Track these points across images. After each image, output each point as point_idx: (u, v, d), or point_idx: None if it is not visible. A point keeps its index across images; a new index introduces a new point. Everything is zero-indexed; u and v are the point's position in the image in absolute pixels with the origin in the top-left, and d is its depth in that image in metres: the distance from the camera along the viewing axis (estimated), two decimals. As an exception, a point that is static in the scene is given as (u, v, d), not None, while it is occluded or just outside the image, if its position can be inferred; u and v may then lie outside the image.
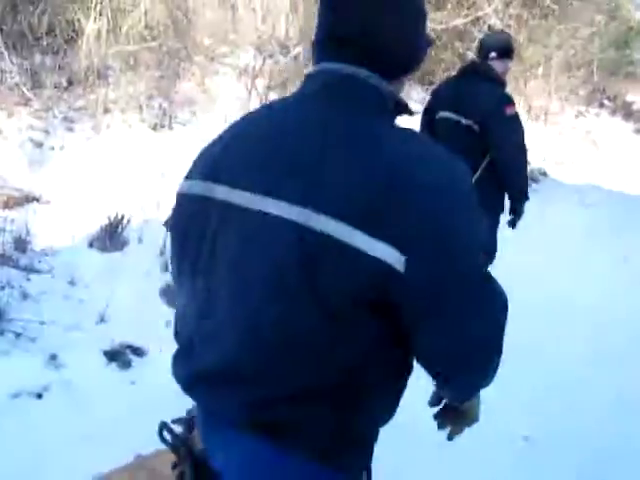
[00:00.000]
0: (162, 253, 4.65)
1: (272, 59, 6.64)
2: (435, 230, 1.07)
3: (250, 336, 1.18)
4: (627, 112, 21.88)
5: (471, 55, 12.01)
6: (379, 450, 1.35)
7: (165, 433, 1.50)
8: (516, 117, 3.99)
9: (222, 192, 1.22)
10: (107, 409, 3.03)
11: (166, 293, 4.16)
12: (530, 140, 13.66)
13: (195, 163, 1.36)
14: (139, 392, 3.25)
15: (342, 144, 1.14)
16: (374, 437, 1.30)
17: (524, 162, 3.98)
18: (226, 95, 7.95)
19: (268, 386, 1.19)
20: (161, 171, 6.07)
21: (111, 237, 4.54)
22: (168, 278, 4.31)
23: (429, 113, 4.18)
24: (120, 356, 3.46)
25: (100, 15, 6.68)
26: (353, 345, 1.15)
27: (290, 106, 1.28)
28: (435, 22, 9.01)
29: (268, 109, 1.38)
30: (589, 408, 3.69)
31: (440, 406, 1.54)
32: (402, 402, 1.31)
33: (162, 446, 1.54)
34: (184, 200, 1.33)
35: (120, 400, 3.14)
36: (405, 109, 1.29)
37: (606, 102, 24.54)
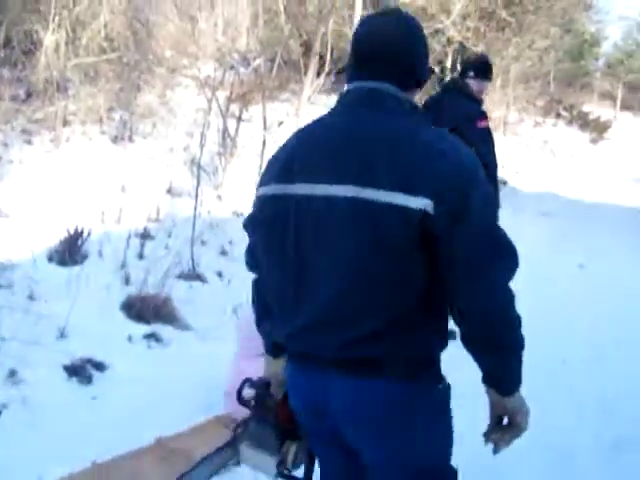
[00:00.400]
0: (123, 266, 4.63)
1: (233, 71, 6.65)
2: (454, 186, 1.51)
3: (341, 288, 1.57)
4: (583, 122, 22.35)
5: (433, 68, 12.24)
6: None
7: (245, 390, 1.91)
8: (487, 130, 4.39)
9: (296, 189, 1.62)
10: (67, 425, 3.00)
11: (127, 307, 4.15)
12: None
13: (267, 171, 1.75)
14: (100, 407, 3.22)
15: (383, 138, 1.57)
16: (439, 359, 1.70)
17: (491, 171, 4.09)
18: (187, 107, 7.96)
19: (357, 328, 1.57)
20: (121, 184, 6.05)
21: (71, 251, 4.50)
22: (129, 291, 4.30)
23: None
24: (81, 371, 3.43)
25: (59, 27, 6.64)
26: (416, 281, 1.56)
27: (335, 116, 1.69)
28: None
29: (318, 122, 1.75)
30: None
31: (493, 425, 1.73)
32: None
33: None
34: (266, 201, 1.70)
35: (81, 416, 3.11)
36: (417, 109, 1.72)
37: (563, 112, 25.03)
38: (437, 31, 9.81)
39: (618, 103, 31.09)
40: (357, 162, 1.56)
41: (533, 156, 18.57)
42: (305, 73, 6.13)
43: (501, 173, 14.49)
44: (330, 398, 1.68)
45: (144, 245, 5.02)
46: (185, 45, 7.61)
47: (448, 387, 1.72)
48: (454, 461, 1.80)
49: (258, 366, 2.07)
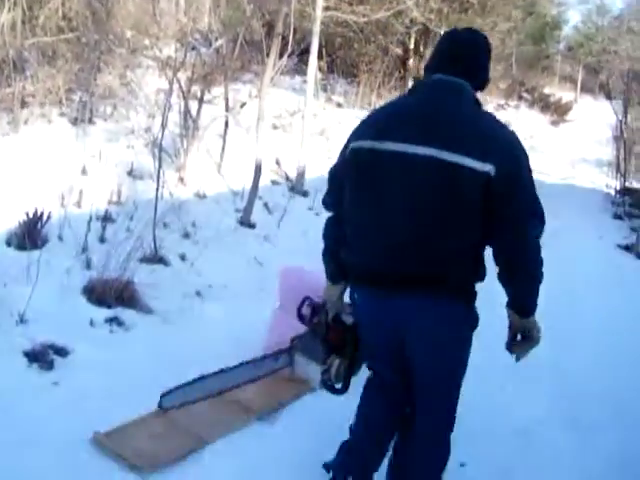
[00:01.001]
0: (84, 250, 4.56)
1: (194, 51, 6.57)
2: (509, 159, 2.12)
3: (417, 224, 2.14)
4: (545, 104, 22.57)
5: (397, 50, 12.21)
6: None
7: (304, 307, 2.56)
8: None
9: (389, 146, 2.19)
10: (29, 412, 2.95)
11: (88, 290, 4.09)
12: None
13: (359, 131, 2.33)
14: (62, 393, 3.18)
15: (457, 118, 2.18)
16: (475, 290, 2.29)
17: None
18: (148, 88, 7.85)
19: (426, 254, 2.15)
20: (82, 166, 5.95)
21: (30, 234, 4.41)
22: (90, 275, 4.24)
23: None
24: (42, 357, 3.37)
25: (15, 5, 6.46)
26: (472, 227, 2.15)
27: (420, 97, 2.29)
28: (358, 15, 9.06)
29: (402, 99, 2.50)
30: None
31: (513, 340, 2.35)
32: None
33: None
34: (362, 151, 2.27)
35: (43, 402, 3.06)
36: (479, 102, 2.31)
37: (525, 95, 25.23)
38: (400, 12, 9.78)
39: (579, 86, 31.42)
40: (440, 131, 2.15)
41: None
42: (267, 54, 6.07)
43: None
44: (394, 312, 2.25)
45: (105, 228, 4.95)
46: (146, 25, 7.49)
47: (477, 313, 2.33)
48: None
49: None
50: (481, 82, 2.35)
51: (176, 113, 6.63)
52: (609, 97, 13.59)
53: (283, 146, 8.36)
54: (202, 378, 2.96)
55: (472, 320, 2.32)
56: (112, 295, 4.08)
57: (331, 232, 2.46)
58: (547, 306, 4.67)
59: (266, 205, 6.82)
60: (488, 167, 2.09)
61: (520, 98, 24.94)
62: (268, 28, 7.89)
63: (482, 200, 2.10)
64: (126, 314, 4.02)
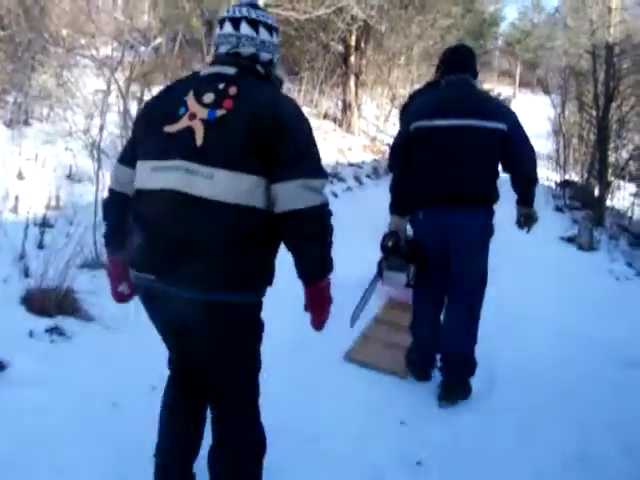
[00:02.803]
0: (21, 257, 4.40)
1: (132, 50, 6.41)
2: (512, 119, 3.67)
3: (467, 167, 3.59)
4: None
5: (338, 47, 12.17)
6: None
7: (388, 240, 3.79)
8: None
9: (439, 122, 3.61)
10: (-35, 429, 2.83)
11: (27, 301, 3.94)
12: (395, 128, 14.01)
13: (411, 116, 3.76)
14: (1, 409, 3.05)
15: (474, 99, 3.73)
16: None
17: None
18: (85, 88, 7.63)
19: (471, 187, 3.62)
20: (17, 170, 5.75)
21: (-36, 242, 4.25)
22: (29, 284, 4.08)
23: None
24: (-22, 370, 3.24)
25: (-58, 3, 6.21)
26: (495, 163, 3.69)
27: (448, 88, 3.75)
28: (299, 12, 9.00)
29: (436, 90, 3.90)
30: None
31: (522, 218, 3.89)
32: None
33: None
34: (419, 128, 3.67)
35: (-21, 419, 2.94)
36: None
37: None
38: (341, 9, 9.75)
39: (517, 81, 32.00)
40: (467, 107, 3.63)
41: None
42: (208, 52, 5.96)
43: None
44: (444, 224, 3.62)
45: (44, 234, 4.79)
46: (81, 23, 7.28)
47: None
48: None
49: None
50: (475, 74, 3.82)
51: (115, 114, 6.47)
52: (547, 92, 13.85)
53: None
54: (363, 297, 4.32)
55: (493, 230, 3.75)
56: (52, 304, 3.94)
57: (400, 183, 3.83)
58: (502, 301, 4.79)
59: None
60: (502, 125, 3.62)
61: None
62: (208, 26, 7.76)
63: (500, 146, 3.62)
64: (67, 323, 3.88)
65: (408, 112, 4.01)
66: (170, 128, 2.19)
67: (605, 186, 9.34)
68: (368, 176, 11.03)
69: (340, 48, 12.47)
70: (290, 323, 3.41)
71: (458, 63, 3.77)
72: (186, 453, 2.52)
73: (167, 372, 2.70)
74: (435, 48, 17.40)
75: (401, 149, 3.81)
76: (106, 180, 5.76)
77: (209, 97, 2.19)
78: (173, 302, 2.16)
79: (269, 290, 2.32)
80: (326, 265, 2.24)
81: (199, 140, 2.14)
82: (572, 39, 11.45)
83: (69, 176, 6.07)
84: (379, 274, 3.93)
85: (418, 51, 16.22)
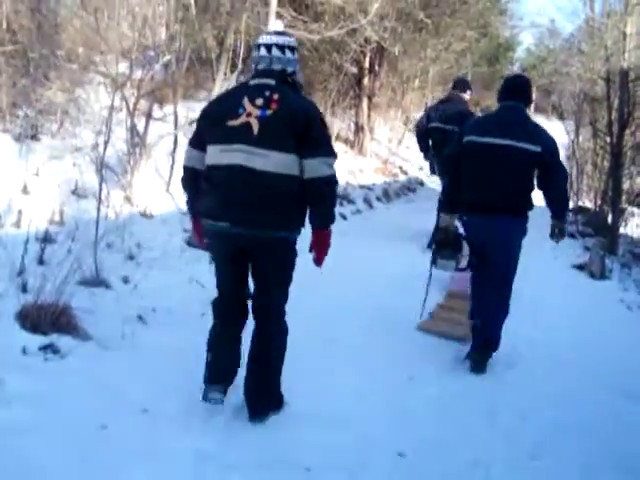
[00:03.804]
0: (20, 272, 4.34)
1: (143, 68, 6.40)
2: (548, 143, 4.33)
3: (505, 182, 4.28)
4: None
5: (352, 69, 12.15)
6: None
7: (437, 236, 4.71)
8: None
9: (488, 140, 4.33)
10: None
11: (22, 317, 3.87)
12: (408, 151, 13.88)
13: (467, 132, 4.47)
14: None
15: (519, 124, 4.37)
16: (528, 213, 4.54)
17: None
18: (96, 105, 7.63)
19: (508, 198, 4.30)
20: (23, 184, 5.72)
21: (-37, 256, 4.20)
22: (26, 299, 4.02)
23: (426, 123, 7.68)
24: (-31, 387, 3.16)
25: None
26: (529, 182, 4.39)
27: (500, 112, 4.52)
28: (313, 33, 8.98)
29: (492, 114, 4.91)
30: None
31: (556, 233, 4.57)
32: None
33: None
34: (470, 142, 4.39)
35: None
36: (527, 114, 4.61)
37: (479, 114, 25.44)
38: (354, 30, 9.74)
39: (532, 106, 31.95)
40: (512, 130, 4.27)
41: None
42: (217, 70, 5.93)
43: (418, 174, 14.62)
44: (484, 226, 4.32)
45: (45, 249, 4.73)
46: (93, 40, 7.29)
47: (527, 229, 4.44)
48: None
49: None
50: (528, 102, 4.53)
51: (124, 130, 6.45)
52: (561, 117, 13.77)
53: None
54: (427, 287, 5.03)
55: (524, 232, 4.42)
56: (48, 321, 3.86)
57: (451, 188, 4.62)
58: (511, 327, 4.72)
59: (216, 225, 6.65)
60: (539, 148, 4.25)
61: (425, 111, 25.12)
62: (221, 45, 7.75)
63: (534, 165, 4.32)
64: (62, 341, 3.79)
65: (464, 127, 4.70)
66: (233, 122, 3.16)
67: (619, 213, 9.21)
68: (378, 199, 10.96)
69: (354, 70, 12.45)
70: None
71: (512, 91, 4.48)
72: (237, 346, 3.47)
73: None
74: (449, 72, 17.40)
75: (454, 158, 4.55)
76: (111, 197, 5.76)
77: (259, 101, 3.17)
78: (241, 240, 3.17)
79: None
80: (330, 218, 3.27)
81: (255, 131, 3.13)
82: (586, 64, 11.37)
83: (74, 192, 6.04)
84: (433, 262, 4.70)
85: (432, 74, 16.19)
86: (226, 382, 3.42)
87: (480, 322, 4.50)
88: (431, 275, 4.94)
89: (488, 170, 4.32)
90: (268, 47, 3.25)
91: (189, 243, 5.90)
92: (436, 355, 4.68)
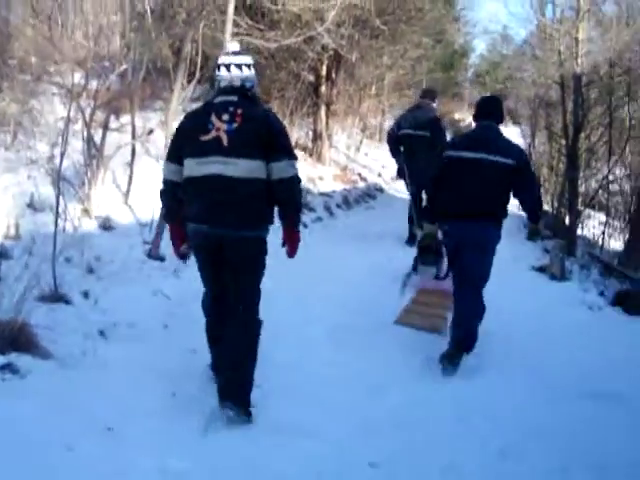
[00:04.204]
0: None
1: (98, 78, 6.28)
2: (520, 156, 4.81)
3: (481, 193, 4.64)
4: (456, 129, 23.06)
5: (309, 77, 12.14)
6: None
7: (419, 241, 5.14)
8: (443, 128, 8.42)
9: (468, 154, 4.73)
10: None
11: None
12: (367, 158, 13.95)
13: (450, 148, 5.01)
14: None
15: (493, 140, 4.79)
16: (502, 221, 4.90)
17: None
18: (51, 116, 7.47)
19: (484, 206, 4.66)
20: (-25, 199, 5.57)
21: None
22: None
23: (397, 130, 8.28)
24: None
25: None
26: (504, 193, 4.74)
27: (477, 131, 4.96)
28: (270, 41, 8.94)
29: (471, 131, 5.20)
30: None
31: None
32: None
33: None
34: (451, 157, 4.83)
35: None
36: (500, 131, 4.99)
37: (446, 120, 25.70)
38: (312, 38, 9.72)
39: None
40: (488, 146, 4.69)
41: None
42: (175, 80, 5.85)
43: (377, 180, 14.63)
44: (463, 231, 4.67)
45: (0, 265, 4.59)
46: (48, 50, 7.15)
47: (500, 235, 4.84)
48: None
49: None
50: (500, 120, 4.95)
51: (80, 142, 6.32)
52: (516, 122, 13.94)
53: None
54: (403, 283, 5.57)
55: (499, 237, 4.79)
56: (5, 339, 3.73)
57: (433, 199, 4.95)
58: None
59: (177, 236, 6.54)
60: (511, 161, 4.65)
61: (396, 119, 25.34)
62: (177, 54, 7.66)
63: (509, 176, 4.66)
64: (22, 360, 3.65)
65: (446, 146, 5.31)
66: (205, 137, 3.55)
67: (575, 215, 9.34)
68: (338, 206, 10.94)
69: (311, 78, 12.43)
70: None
71: (486, 112, 4.94)
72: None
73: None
74: (405, 78, 17.51)
75: (437, 171, 4.93)
76: (68, 209, 5.63)
77: (225, 116, 3.55)
78: (219, 239, 3.55)
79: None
80: (297, 214, 3.77)
81: (225, 143, 3.51)
82: (541, 69, 11.54)
83: (30, 205, 5.88)
84: (414, 268, 5.38)
85: (389, 81, 16.28)
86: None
87: (457, 321, 4.73)
88: (409, 275, 5.53)
89: (467, 182, 4.70)
90: (227, 66, 3.65)
91: (149, 255, 5.80)
92: (402, 362, 4.65)
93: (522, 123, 13.28)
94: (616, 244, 9.64)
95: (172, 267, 5.76)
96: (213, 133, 3.53)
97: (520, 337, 5.35)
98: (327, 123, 12.98)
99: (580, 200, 9.75)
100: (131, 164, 6.71)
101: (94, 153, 6.07)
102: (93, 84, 6.48)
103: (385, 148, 18.49)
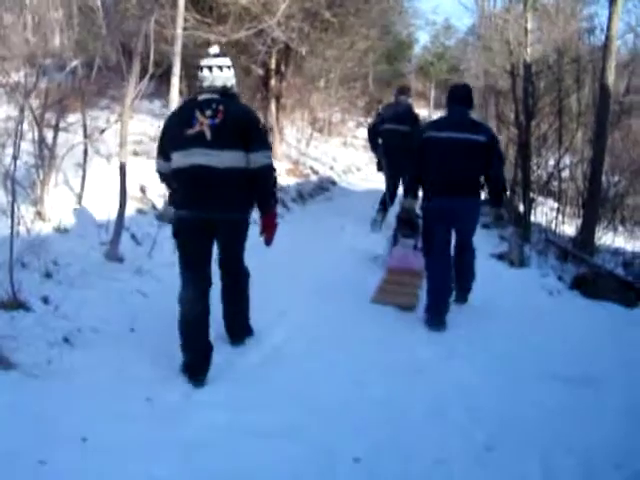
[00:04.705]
0: None
1: (46, 75, 6.06)
2: (490, 134, 5.48)
3: (462, 169, 5.22)
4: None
5: (258, 71, 12.00)
6: None
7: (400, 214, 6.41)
8: (421, 123, 8.49)
9: (446, 134, 5.28)
10: None
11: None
12: (317, 151, 13.88)
13: (426, 129, 5.56)
14: None
15: (466, 121, 5.39)
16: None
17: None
18: (-3, 116, 7.19)
19: (468, 180, 5.34)
20: None
21: None
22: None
23: (377, 125, 8.82)
24: None
25: None
26: (480, 167, 5.34)
27: (450, 115, 5.46)
28: (219, 35, 8.79)
29: (444, 118, 5.68)
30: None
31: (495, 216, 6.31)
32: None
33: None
34: (431, 137, 5.34)
35: None
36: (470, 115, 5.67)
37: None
38: (261, 32, 9.60)
39: (431, 102, 32.62)
40: (464, 127, 5.28)
41: (358, 156, 18.95)
42: (129, 77, 5.67)
43: (330, 173, 14.58)
44: (453, 205, 5.26)
45: (-49, 273, 4.38)
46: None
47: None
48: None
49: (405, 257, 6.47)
50: (471, 105, 5.49)
51: (29, 142, 6.09)
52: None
53: (146, 173, 7.91)
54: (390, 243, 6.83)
55: (480, 207, 5.48)
56: (-35, 351, 3.57)
57: (414, 176, 5.50)
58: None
59: (134, 236, 6.37)
60: (483, 138, 5.24)
61: (379, 115, 25.47)
62: (123, 50, 7.45)
63: (483, 152, 5.22)
64: (-18, 372, 3.50)
65: (423, 126, 6.33)
66: (190, 131, 3.93)
67: (529, 203, 9.45)
68: (294, 200, 10.86)
69: (260, 71, 12.29)
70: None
71: (458, 98, 5.47)
72: (206, 329, 4.04)
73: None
74: (353, 71, 17.50)
75: (417, 152, 5.44)
76: (22, 212, 5.42)
77: (208, 112, 3.94)
78: (208, 221, 3.98)
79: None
80: (273, 201, 4.22)
81: (208, 136, 3.91)
82: (489, 59, 11.64)
83: (-21, 209, 5.64)
84: (394, 239, 6.42)
85: (337, 74, 16.24)
86: (205, 369, 3.96)
87: (456, 278, 5.66)
88: (390, 252, 6.57)
89: (448, 158, 5.23)
90: (210, 68, 4.04)
91: (109, 256, 5.64)
92: (379, 355, 4.61)
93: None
94: (568, 229, 9.78)
95: (133, 268, 5.62)
96: (197, 127, 3.92)
97: (487, 326, 5.37)
98: (277, 117, 12.87)
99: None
100: (84, 164, 6.51)
101: (45, 154, 5.86)
102: (31, 81, 6.24)
103: (334, 142, 18.55)
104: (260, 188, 4.08)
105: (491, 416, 3.79)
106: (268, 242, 4.20)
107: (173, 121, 4.16)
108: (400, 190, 8.16)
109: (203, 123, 3.91)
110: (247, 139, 3.95)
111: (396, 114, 8.53)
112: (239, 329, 4.53)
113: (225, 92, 4.05)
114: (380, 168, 8.91)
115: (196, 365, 3.91)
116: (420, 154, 5.40)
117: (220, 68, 4.05)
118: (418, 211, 5.56)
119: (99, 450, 3.00)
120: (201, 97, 4.03)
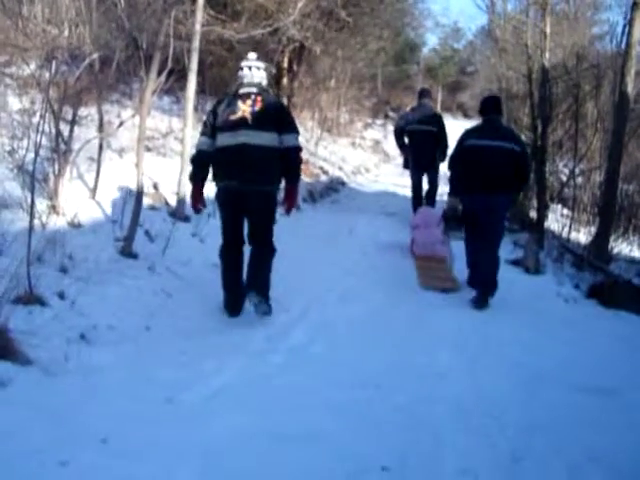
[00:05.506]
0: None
1: (65, 68, 5.98)
2: (521, 143, 6.52)
3: (498, 172, 6.11)
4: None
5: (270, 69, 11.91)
6: None
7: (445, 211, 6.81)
8: (444, 123, 9.44)
9: (484, 143, 6.19)
10: None
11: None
12: (326, 151, 13.82)
13: (466, 137, 6.36)
14: None
15: (501, 130, 6.48)
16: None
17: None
18: (11, 108, 7.12)
19: (502, 180, 6.13)
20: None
21: None
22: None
23: (404, 126, 9.45)
24: None
25: None
26: (513, 170, 6.19)
27: (486, 122, 6.38)
28: (236, 32, 8.72)
29: (481, 124, 6.48)
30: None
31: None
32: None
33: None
34: (472, 145, 6.25)
35: None
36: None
37: (391, 114, 25.76)
38: (276, 30, 9.53)
39: (439, 105, 32.53)
40: (500, 134, 6.24)
41: (367, 156, 18.89)
42: (147, 72, 5.61)
43: (339, 174, 14.50)
44: (487, 203, 6.11)
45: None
46: (8, 40, 6.81)
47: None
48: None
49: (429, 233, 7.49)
50: (501, 112, 6.58)
51: (41, 135, 6.00)
52: (466, 115, 13.97)
53: (159, 169, 7.84)
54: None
55: (510, 205, 6.79)
56: (-17, 346, 3.50)
57: (458, 178, 6.30)
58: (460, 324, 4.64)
59: (147, 233, 6.30)
60: (516, 147, 6.16)
61: (386, 117, 25.47)
62: (135, 45, 7.36)
63: (516, 159, 6.10)
64: (1, 368, 3.42)
65: (462, 134, 6.44)
66: (234, 117, 4.90)
67: (544, 209, 9.37)
68: (304, 200, 10.79)
69: (272, 70, 12.23)
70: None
71: (492, 108, 6.35)
72: (240, 276, 5.04)
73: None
74: (363, 72, 17.45)
75: (459, 157, 6.32)
76: (36, 206, 5.33)
77: (248, 102, 4.92)
78: (244, 193, 4.84)
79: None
80: (299, 175, 5.19)
81: (250, 120, 4.87)
82: (505, 62, 11.55)
83: (-6, 201, 5.56)
84: (445, 233, 7.15)
85: (348, 74, 16.17)
86: (239, 307, 5.06)
87: (482, 272, 6.11)
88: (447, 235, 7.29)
89: (486, 163, 6.06)
90: (249, 67, 5.06)
91: (123, 253, 5.57)
92: (400, 359, 4.54)
93: (472, 117, 13.29)
94: (581, 237, 9.70)
95: (146, 265, 5.55)
96: (240, 114, 4.88)
97: (503, 334, 5.30)
98: (289, 117, 12.81)
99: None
100: (98, 158, 6.43)
101: (61, 147, 5.78)
102: (57, 75, 6.17)
103: (342, 142, 18.46)
104: (289, 163, 4.95)
105: (516, 425, 3.70)
106: (289, 210, 5.12)
107: (220, 107, 5.03)
108: (425, 184, 9.47)
109: (245, 110, 4.87)
110: (280, 124, 4.91)
111: (422, 116, 9.25)
112: (261, 289, 4.92)
113: (260, 87, 5.04)
114: (407, 165, 9.73)
115: (232, 302, 5.03)
116: (462, 159, 6.25)
117: (258, 68, 5.08)
118: (460, 207, 6.37)
119: (120, 452, 2.91)
120: (241, 90, 5.00)
